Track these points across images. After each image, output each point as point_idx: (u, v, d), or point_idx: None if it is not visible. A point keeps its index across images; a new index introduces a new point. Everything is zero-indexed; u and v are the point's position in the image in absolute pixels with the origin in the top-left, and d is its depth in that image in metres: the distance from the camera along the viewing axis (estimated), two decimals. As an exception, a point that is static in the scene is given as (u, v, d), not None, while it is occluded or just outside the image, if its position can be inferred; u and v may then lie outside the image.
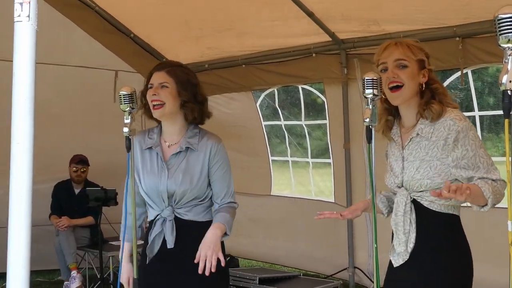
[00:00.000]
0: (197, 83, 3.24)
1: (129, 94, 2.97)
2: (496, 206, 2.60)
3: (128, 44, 6.63)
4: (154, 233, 3.18)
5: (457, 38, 4.92)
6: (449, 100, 2.81)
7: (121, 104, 2.95)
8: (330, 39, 5.67)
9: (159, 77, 3.16)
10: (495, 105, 6.38)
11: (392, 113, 2.92)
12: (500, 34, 1.57)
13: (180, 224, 3.16)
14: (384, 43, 2.89)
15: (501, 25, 1.57)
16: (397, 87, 2.76)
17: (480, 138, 2.77)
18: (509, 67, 1.56)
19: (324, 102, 6.20)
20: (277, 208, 6.70)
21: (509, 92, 1.54)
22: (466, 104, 5.61)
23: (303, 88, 6.47)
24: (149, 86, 3.18)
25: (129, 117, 2.95)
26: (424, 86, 2.79)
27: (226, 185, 3.23)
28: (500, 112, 6.00)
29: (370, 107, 2.51)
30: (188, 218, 3.17)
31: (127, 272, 3.25)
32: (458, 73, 5.08)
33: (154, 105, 3.13)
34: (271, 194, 6.84)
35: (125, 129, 2.92)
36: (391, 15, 5.04)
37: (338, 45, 5.70)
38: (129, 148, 2.93)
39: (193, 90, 3.19)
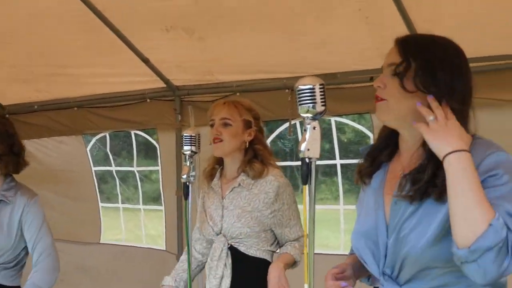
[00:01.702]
0: (14, 133, 3.16)
1: None
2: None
3: None
4: None
5: (286, 90, 5.08)
6: (271, 161, 3.10)
7: None
8: (165, 85, 5.66)
9: None
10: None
11: (219, 162, 3.17)
12: (300, 104, 1.63)
13: None
14: (215, 102, 3.21)
15: (300, 95, 1.63)
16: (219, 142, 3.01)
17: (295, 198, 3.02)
18: (307, 136, 1.61)
19: (157, 148, 6.15)
20: (106, 256, 6.49)
21: (307, 160, 1.59)
22: (294, 153, 5.81)
23: (136, 134, 6.38)
24: None
25: None
26: (248, 144, 3.06)
27: (37, 242, 3.12)
28: (327, 161, 6.14)
29: (188, 163, 2.56)
30: None
31: None
32: (287, 124, 5.25)
33: None
34: (100, 242, 6.63)
35: None
36: (225, 66, 5.14)
37: (172, 91, 5.70)
38: None
39: (10, 142, 3.10)
